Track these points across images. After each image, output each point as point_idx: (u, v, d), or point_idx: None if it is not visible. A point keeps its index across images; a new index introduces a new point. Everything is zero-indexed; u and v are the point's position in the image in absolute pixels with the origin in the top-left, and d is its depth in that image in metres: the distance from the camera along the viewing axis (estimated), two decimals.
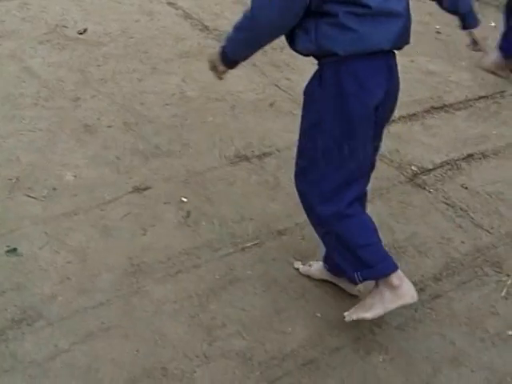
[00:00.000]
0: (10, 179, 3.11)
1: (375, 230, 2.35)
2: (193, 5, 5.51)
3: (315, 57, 2.18)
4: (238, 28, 2.16)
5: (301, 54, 2.22)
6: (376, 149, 2.42)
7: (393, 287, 2.28)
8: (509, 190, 3.42)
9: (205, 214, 3.03)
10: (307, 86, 2.25)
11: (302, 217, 2.90)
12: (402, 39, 2.18)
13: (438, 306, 2.66)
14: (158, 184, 3.20)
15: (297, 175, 2.36)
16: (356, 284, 2.44)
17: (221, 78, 2.40)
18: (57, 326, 2.39)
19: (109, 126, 3.65)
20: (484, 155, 3.73)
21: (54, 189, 3.09)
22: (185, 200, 3.10)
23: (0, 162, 3.23)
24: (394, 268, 2.30)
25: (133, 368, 2.26)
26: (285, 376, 2.30)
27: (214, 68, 2.35)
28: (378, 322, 2.51)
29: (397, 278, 2.28)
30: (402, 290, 2.29)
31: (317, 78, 2.18)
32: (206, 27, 5.10)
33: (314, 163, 2.26)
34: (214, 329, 2.46)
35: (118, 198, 3.07)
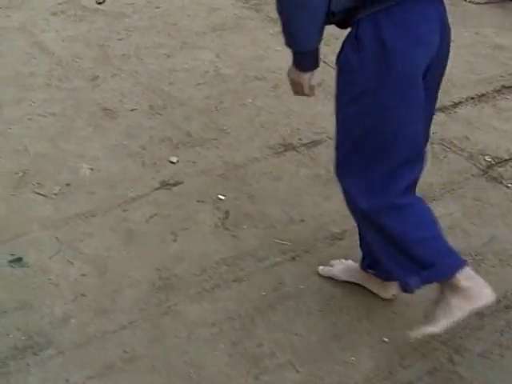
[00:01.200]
0: (16, 173, 2.80)
1: (434, 222, 1.97)
2: None
3: (350, 15, 1.78)
4: (281, 12, 1.79)
5: (336, 14, 1.80)
6: (428, 124, 2.05)
7: (461, 289, 1.89)
8: None
9: (247, 214, 2.69)
10: (339, 55, 1.86)
11: None
12: None
13: None
14: (191, 179, 2.86)
15: (337, 166, 2.00)
16: (411, 292, 2.05)
17: (313, 94, 2.00)
18: (69, 356, 2.07)
19: (132, 110, 3.34)
20: None
21: (68, 184, 2.77)
22: (222, 198, 2.76)
23: (5, 152, 2.93)
24: (461, 264, 1.91)
25: None
26: None
27: (299, 86, 1.96)
28: (457, 348, 2.17)
29: (465, 277, 1.89)
30: (472, 291, 1.90)
31: (351, 42, 1.80)
32: None
33: (357, 147, 1.90)
34: (260, 359, 2.12)
35: (143, 196, 2.75)
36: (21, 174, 2.80)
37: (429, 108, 1.99)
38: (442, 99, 3.53)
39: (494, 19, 4.65)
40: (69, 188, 2.76)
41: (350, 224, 2.60)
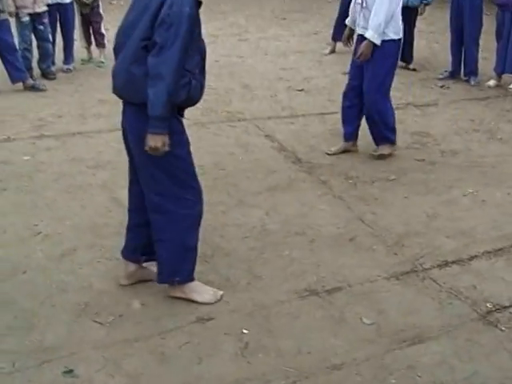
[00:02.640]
0: (80, 305, 3.60)
1: None
2: (290, 137, 6.11)
3: None
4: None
5: None
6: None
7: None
8: None
9: (264, 346, 3.35)
10: None
11: (362, 352, 3.21)
12: None
13: None
14: (222, 315, 3.57)
15: None
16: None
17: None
18: None
19: None
20: None
21: (121, 315, 3.54)
22: (245, 332, 3.45)
23: (72, 288, 3.75)
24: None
25: None
26: None
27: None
28: None
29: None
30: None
31: None
32: (299, 160, 5.63)
33: None
34: None
35: (180, 327, 3.47)
36: (83, 306, 3.60)
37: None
38: (459, 253, 4.19)
39: None
40: (121, 318, 3.53)
41: (350, 357, 3.25)
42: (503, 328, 3.56)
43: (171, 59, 3.12)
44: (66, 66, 8.07)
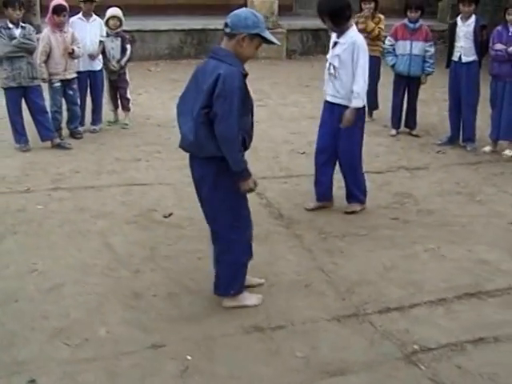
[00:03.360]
0: (56, 329, 4.26)
1: None
2: (279, 195, 6.74)
3: None
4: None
5: None
6: None
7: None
8: (505, 372, 3.96)
9: (201, 370, 3.91)
10: None
11: (287, 379, 3.85)
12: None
13: None
14: (173, 343, 4.16)
15: None
16: None
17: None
18: None
19: (154, 295, 4.74)
20: (496, 339, 4.29)
21: (87, 339, 4.18)
22: (189, 358, 4.02)
23: (53, 315, 4.41)
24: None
25: None
26: None
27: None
28: None
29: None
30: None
31: None
32: (281, 215, 6.24)
33: None
34: None
35: (135, 351, 4.07)
36: (58, 330, 4.25)
37: None
38: (403, 301, 4.69)
39: (494, 239, 5.79)
40: (87, 341, 4.16)
41: (275, 383, 3.78)
42: (422, 367, 4.03)
43: (232, 126, 4.04)
44: (93, 127, 8.90)
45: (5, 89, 7.77)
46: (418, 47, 8.72)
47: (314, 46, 15.50)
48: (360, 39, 5.88)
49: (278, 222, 6.10)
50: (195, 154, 4.28)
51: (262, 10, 13.88)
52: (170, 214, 6.14)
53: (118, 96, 9.15)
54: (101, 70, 8.86)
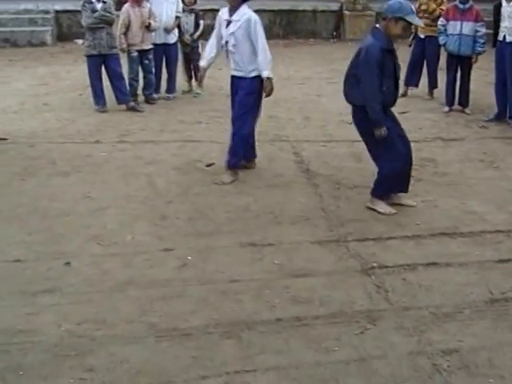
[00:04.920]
0: (94, 235, 5.75)
1: None
2: (313, 155, 7.96)
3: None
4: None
5: None
6: None
7: None
8: (439, 284, 5.10)
9: (195, 266, 5.31)
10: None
11: (261, 276, 5.07)
12: None
13: None
14: (181, 249, 5.56)
15: None
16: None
17: None
18: None
19: (177, 218, 6.15)
20: (448, 264, 5.40)
21: (115, 242, 5.65)
22: (189, 258, 5.42)
23: (94, 226, 5.92)
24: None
25: None
26: None
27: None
28: None
29: None
30: None
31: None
32: (308, 170, 7.49)
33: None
34: None
35: (149, 252, 5.51)
36: (95, 235, 5.76)
37: None
38: (381, 234, 5.87)
39: (491, 196, 6.81)
40: (116, 244, 5.64)
41: (251, 278, 5.11)
42: (373, 277, 5.21)
43: (369, 87, 5.83)
44: (167, 95, 10.44)
45: (87, 56, 9.41)
46: (468, 27, 9.64)
47: None
48: (253, 14, 6.70)
49: (302, 175, 7.36)
50: (353, 104, 6.15)
51: None
52: (212, 164, 7.52)
53: (192, 67, 10.62)
54: (175, 44, 10.37)
